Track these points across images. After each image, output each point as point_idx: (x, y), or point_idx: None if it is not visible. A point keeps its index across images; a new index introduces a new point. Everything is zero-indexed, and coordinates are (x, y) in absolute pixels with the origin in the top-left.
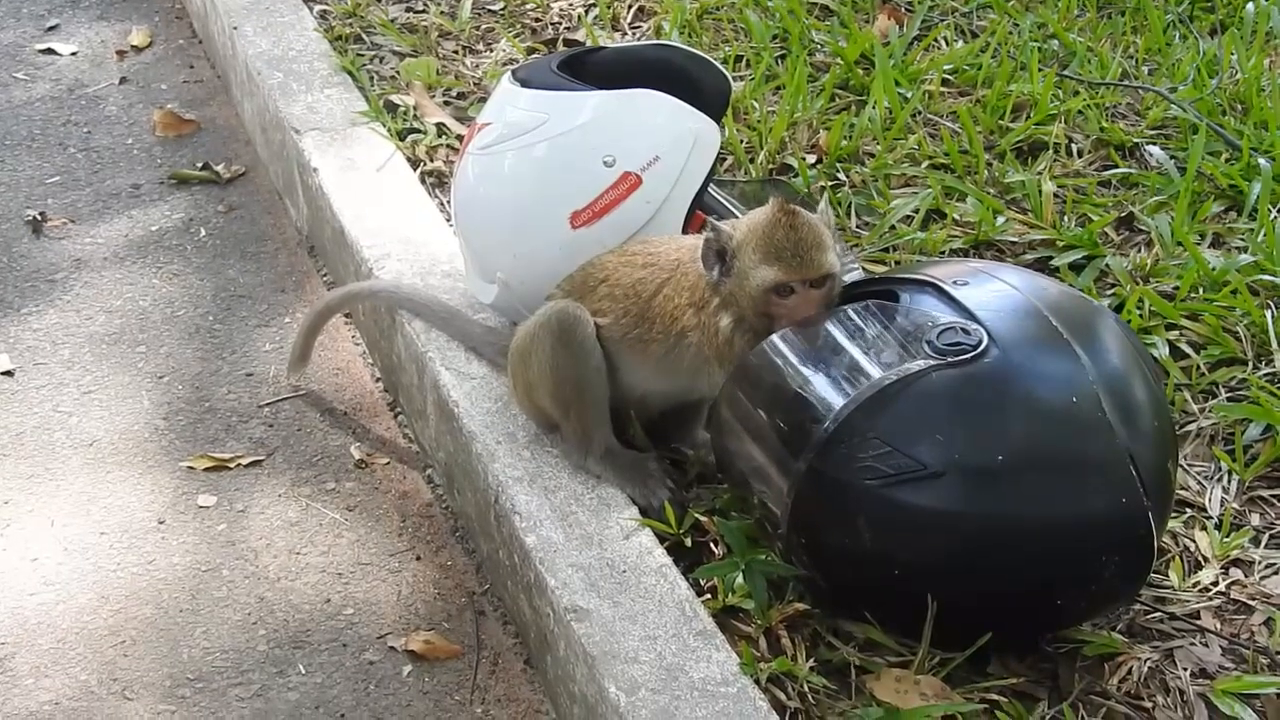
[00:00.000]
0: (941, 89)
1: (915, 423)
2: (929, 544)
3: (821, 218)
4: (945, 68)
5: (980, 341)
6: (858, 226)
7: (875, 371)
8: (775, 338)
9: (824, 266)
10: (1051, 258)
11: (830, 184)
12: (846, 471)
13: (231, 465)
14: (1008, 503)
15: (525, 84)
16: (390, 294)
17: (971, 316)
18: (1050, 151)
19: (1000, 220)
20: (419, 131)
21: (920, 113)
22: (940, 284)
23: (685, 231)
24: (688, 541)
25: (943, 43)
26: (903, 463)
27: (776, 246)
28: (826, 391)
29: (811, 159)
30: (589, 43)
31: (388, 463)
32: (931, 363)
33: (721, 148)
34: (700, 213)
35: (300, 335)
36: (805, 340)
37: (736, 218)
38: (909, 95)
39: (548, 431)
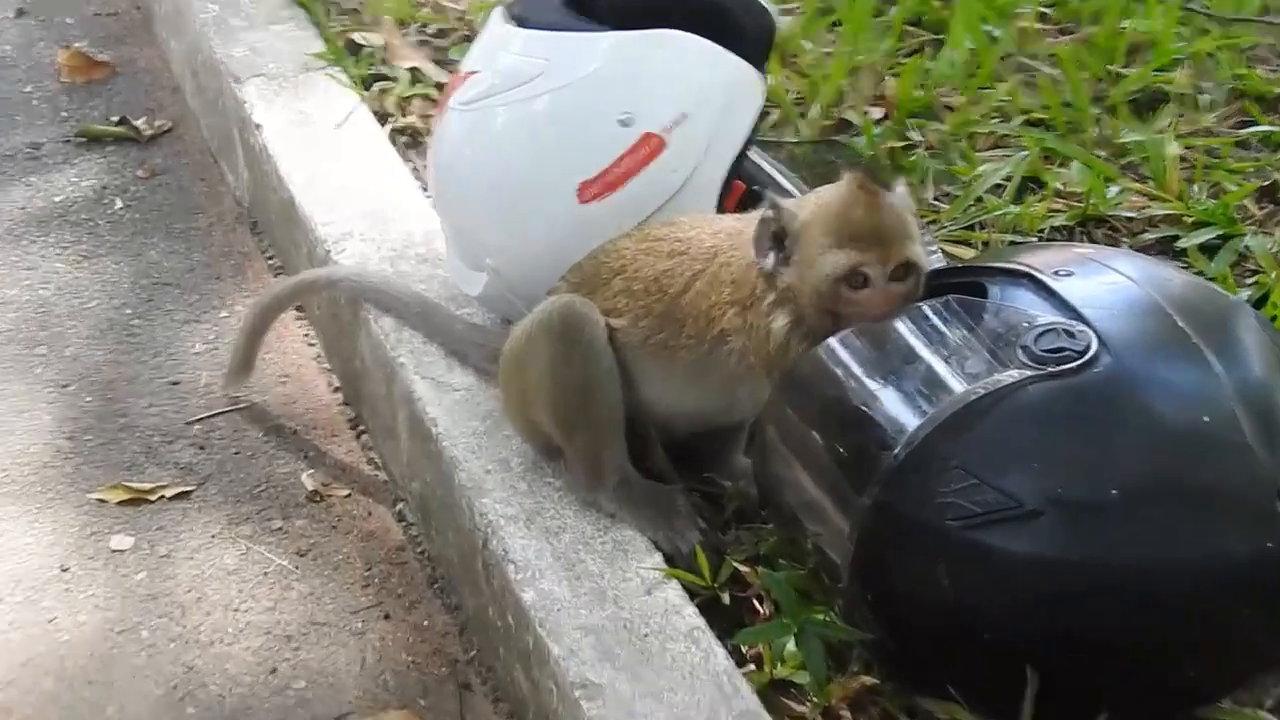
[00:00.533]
0: (1039, 25)
1: (1008, 448)
2: (1026, 599)
3: (901, 200)
4: None
5: (1088, 346)
6: (935, 199)
7: (958, 385)
8: (833, 341)
9: (908, 253)
10: (1177, 237)
11: (900, 145)
12: (923, 508)
13: (153, 498)
14: (1123, 547)
15: (522, 22)
16: (353, 284)
17: (1077, 315)
18: (1174, 104)
19: (1113, 191)
20: (388, 79)
21: (1012, 55)
22: (1039, 275)
23: (721, 207)
24: (725, 597)
25: None
26: (992, 498)
27: (854, 227)
28: (897, 409)
29: (877, 113)
30: None
31: (348, 495)
32: (1028, 373)
33: (765, 101)
34: (739, 182)
35: (241, 336)
36: (871, 344)
37: (786, 190)
38: (998, 33)
39: (549, 458)
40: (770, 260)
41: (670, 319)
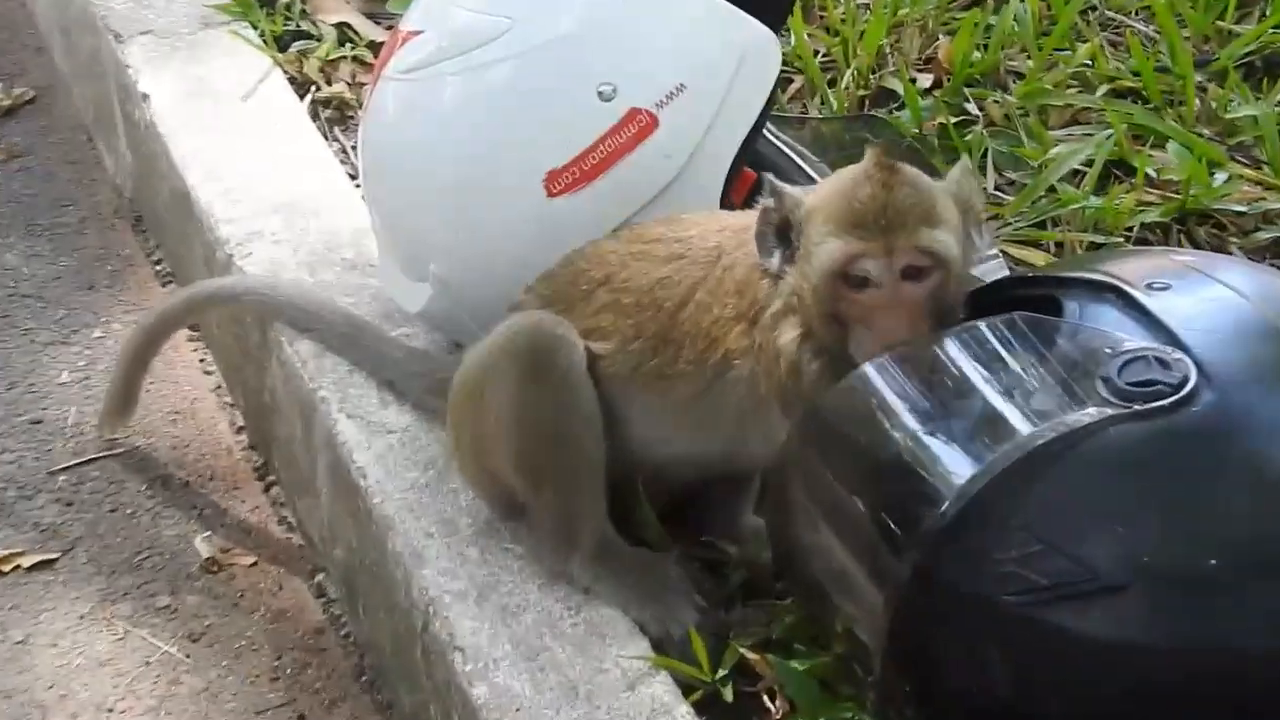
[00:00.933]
0: None
1: (1083, 506)
2: (1103, 695)
3: (950, 186)
4: None
5: (1185, 379)
6: (998, 187)
7: (1022, 425)
8: (868, 368)
9: (924, 242)
10: None
11: (955, 120)
12: (975, 579)
13: (6, 568)
14: (1227, 631)
15: None
16: (261, 298)
17: (1174, 340)
18: None
19: (1220, 179)
20: (309, 37)
21: (1096, 9)
22: (1127, 288)
23: (728, 202)
24: (728, 693)
25: None
26: (1063, 568)
27: (855, 209)
28: (945, 455)
29: (926, 81)
30: None
31: (254, 563)
32: (1109, 412)
33: (784, 66)
34: (750, 171)
35: (120, 365)
36: (914, 373)
37: (810, 178)
38: None
39: (508, 517)
40: (775, 259)
41: (666, 340)
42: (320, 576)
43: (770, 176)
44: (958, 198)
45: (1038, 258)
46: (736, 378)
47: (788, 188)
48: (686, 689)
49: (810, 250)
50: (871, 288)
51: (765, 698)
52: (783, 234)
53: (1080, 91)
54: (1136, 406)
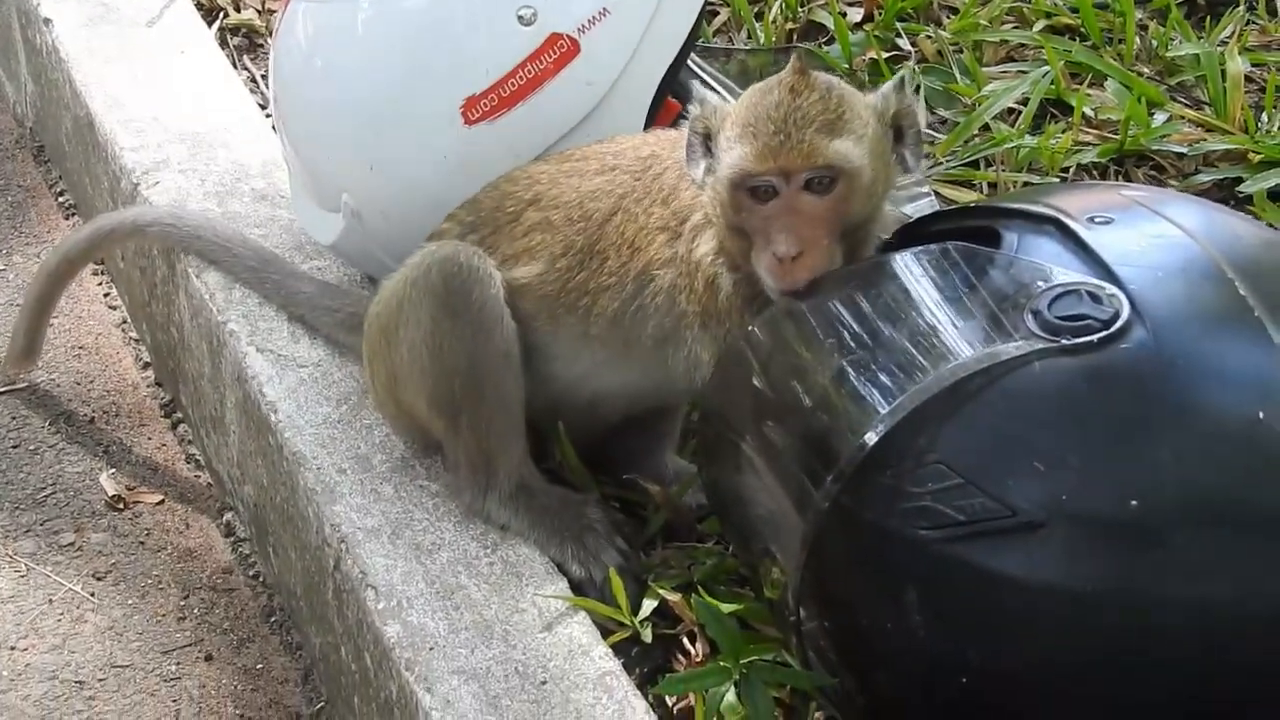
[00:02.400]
0: None
1: (1003, 442)
2: (1018, 635)
3: (875, 100)
4: None
5: (1116, 315)
6: (930, 125)
7: (945, 357)
8: (791, 298)
9: (824, 153)
10: (1241, 180)
11: (886, 55)
12: (891, 514)
13: None
14: (1145, 577)
15: None
16: (166, 229)
17: (1109, 275)
18: (1241, 8)
19: (1159, 119)
20: None
21: None
22: (1068, 220)
23: (650, 129)
24: (647, 635)
25: None
26: (981, 504)
27: (760, 117)
28: (865, 387)
29: (856, 15)
30: None
31: (161, 501)
32: (1036, 346)
33: None
34: (674, 100)
35: (25, 307)
36: (841, 303)
37: None
38: None
39: (424, 454)
40: (700, 169)
41: (593, 253)
42: (229, 515)
43: (698, 85)
44: (879, 111)
45: (970, 197)
46: (657, 289)
47: (714, 97)
48: (605, 630)
49: (719, 158)
50: (773, 199)
51: (686, 640)
52: (708, 143)
53: (1016, 27)
54: (1064, 341)
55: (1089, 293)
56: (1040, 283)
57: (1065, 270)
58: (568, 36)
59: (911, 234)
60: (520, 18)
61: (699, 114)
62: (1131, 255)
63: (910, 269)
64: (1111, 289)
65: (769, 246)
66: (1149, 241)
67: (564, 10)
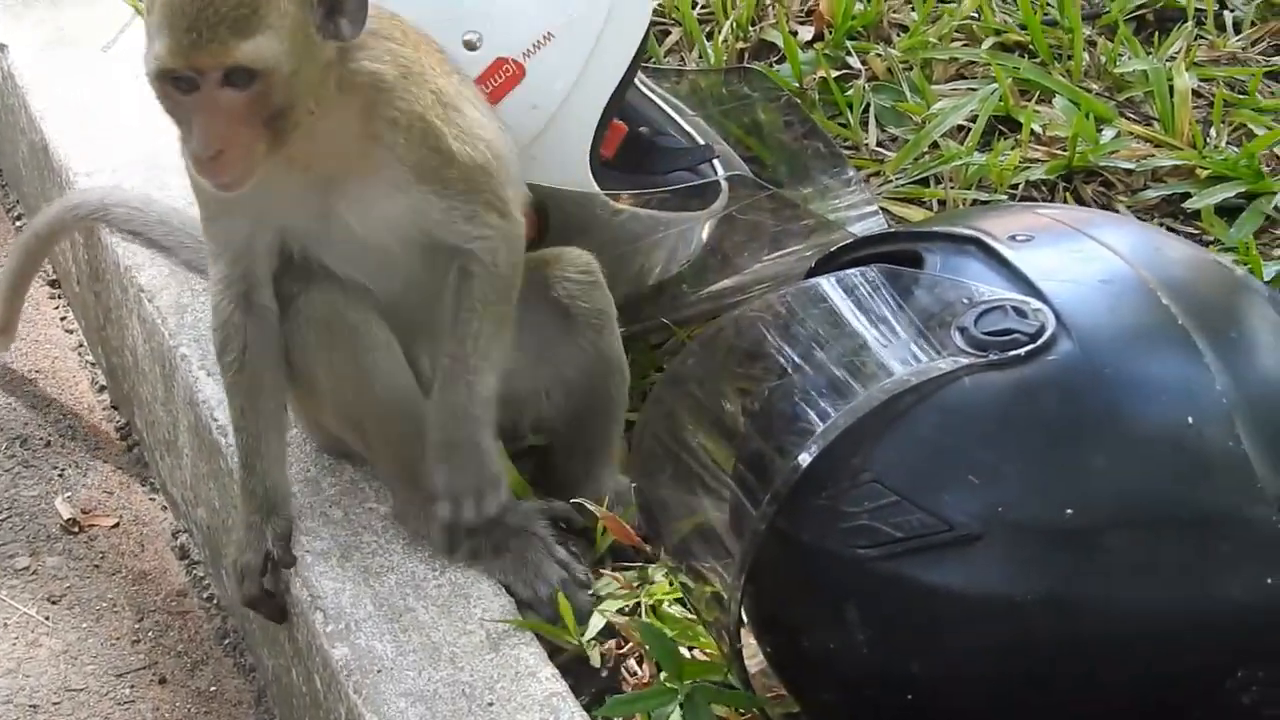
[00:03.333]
0: None
1: (936, 457)
2: (959, 648)
3: None
4: None
5: (1041, 328)
6: (880, 143)
7: (875, 376)
8: (728, 318)
9: (234, 55)
10: (1188, 195)
11: (836, 74)
12: (828, 534)
13: None
14: (1082, 583)
15: None
16: (133, 211)
17: (1033, 290)
18: (1189, 24)
19: (1107, 135)
20: None
21: None
22: (990, 240)
23: (598, 155)
24: (594, 656)
25: None
26: (917, 520)
27: (173, 9)
28: (798, 406)
29: (807, 34)
30: None
31: (115, 525)
32: (964, 361)
33: (661, 17)
34: (620, 123)
35: (2, 286)
36: (772, 322)
37: (686, 133)
38: None
39: (364, 475)
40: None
41: None
42: (183, 538)
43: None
44: (291, 1)
45: (919, 215)
46: None
47: None
48: (552, 651)
49: (146, 46)
50: (195, 92)
51: (634, 662)
52: None
53: (965, 45)
54: (992, 355)
55: (1014, 308)
56: (965, 300)
57: (989, 288)
58: (513, 60)
59: (835, 259)
60: (466, 42)
61: None
62: (1054, 271)
63: (837, 291)
64: (1036, 304)
65: (190, 142)
66: (1071, 257)
67: (509, 35)
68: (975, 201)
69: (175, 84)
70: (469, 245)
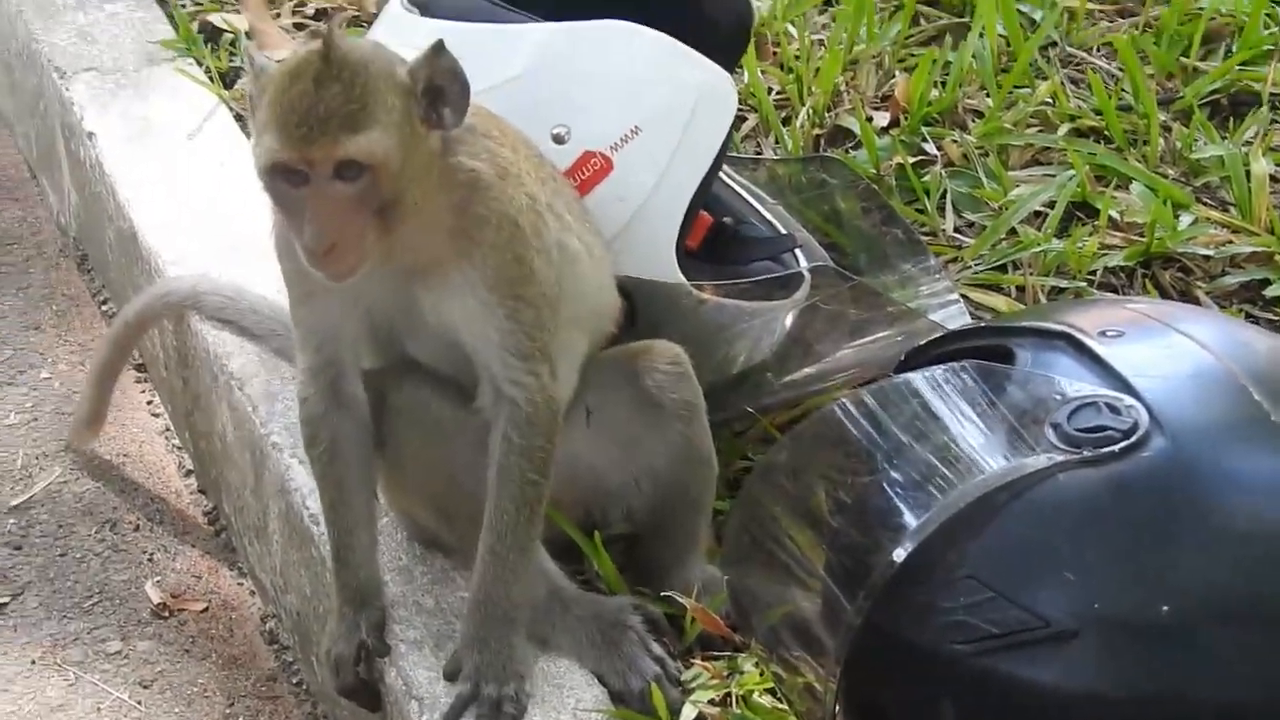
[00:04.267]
0: (1091, 5)
1: (1032, 554)
2: None
3: (400, 75)
4: None
5: (1135, 425)
6: (957, 229)
7: (970, 472)
8: (825, 411)
9: (347, 150)
10: (1267, 282)
11: (913, 160)
12: (924, 629)
13: None
14: (1180, 679)
15: (426, 9)
16: (225, 300)
17: (1126, 387)
18: (1264, 108)
19: (1185, 221)
20: None
21: (1056, 45)
22: (1080, 336)
23: (683, 246)
24: None
25: None
26: (1013, 616)
27: (284, 107)
28: (893, 502)
29: (883, 119)
30: None
31: (205, 609)
32: (1058, 458)
33: (739, 104)
34: (706, 214)
35: (93, 375)
36: (866, 418)
37: (769, 221)
38: (1038, 16)
39: (455, 563)
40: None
41: None
42: (272, 623)
43: (250, 46)
44: (407, 89)
45: (998, 302)
46: None
47: (262, 59)
48: None
49: (255, 139)
50: (305, 185)
51: None
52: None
53: (1041, 131)
54: (1085, 452)
55: (1107, 404)
56: (1058, 396)
57: (1081, 384)
58: (601, 155)
59: (924, 352)
60: (555, 136)
61: (251, 77)
62: (1146, 366)
63: (931, 387)
64: (1129, 400)
65: (302, 236)
66: (1162, 353)
67: (597, 129)
68: (1054, 288)
69: (286, 178)
70: (509, 389)
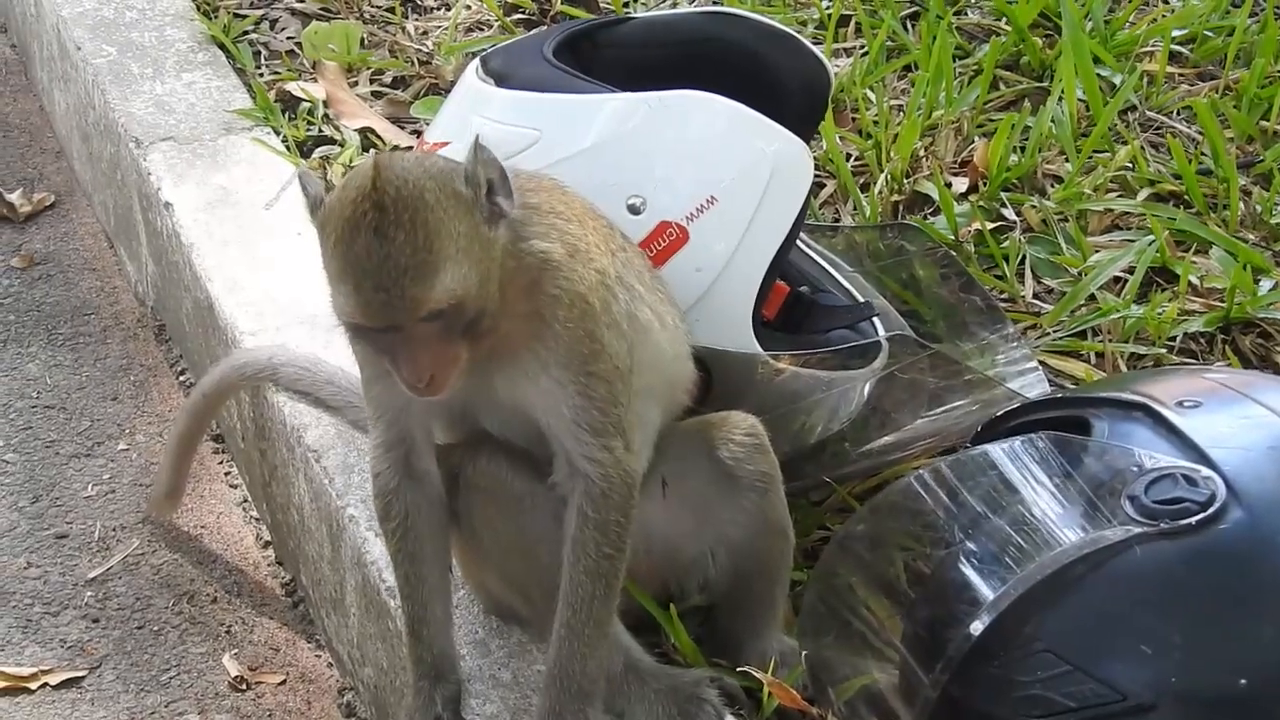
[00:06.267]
0: (1170, 69)
1: (1109, 626)
2: None
3: (467, 188)
4: (1175, 33)
5: (1212, 497)
6: (1036, 295)
7: (1047, 545)
8: (901, 482)
9: (427, 304)
10: None
11: (992, 226)
12: (1001, 703)
13: (33, 686)
14: None
15: (502, 80)
16: (301, 372)
17: (1203, 458)
18: None
19: (1266, 286)
20: (332, 143)
21: (1136, 109)
22: (1157, 406)
23: (760, 316)
24: None
25: None
26: (1090, 690)
27: (352, 261)
28: (969, 575)
29: (961, 185)
30: (603, 2)
31: (283, 682)
32: (1135, 531)
33: (815, 171)
34: (782, 284)
35: (170, 447)
36: (943, 490)
37: (847, 290)
38: (1117, 80)
39: (531, 636)
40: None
41: None
42: (350, 696)
43: (304, 168)
44: (468, 203)
45: (1077, 369)
46: None
47: (315, 184)
48: None
49: (330, 288)
50: (393, 332)
51: None
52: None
53: (1120, 195)
54: (1163, 525)
55: (1184, 476)
56: (1135, 468)
57: (1158, 455)
58: (676, 225)
59: (1001, 423)
60: (630, 206)
61: (309, 212)
62: (1223, 437)
63: (1008, 459)
64: (1206, 471)
65: (399, 373)
66: (1239, 423)
67: (673, 199)
68: (1133, 355)
69: (364, 334)
70: (584, 464)
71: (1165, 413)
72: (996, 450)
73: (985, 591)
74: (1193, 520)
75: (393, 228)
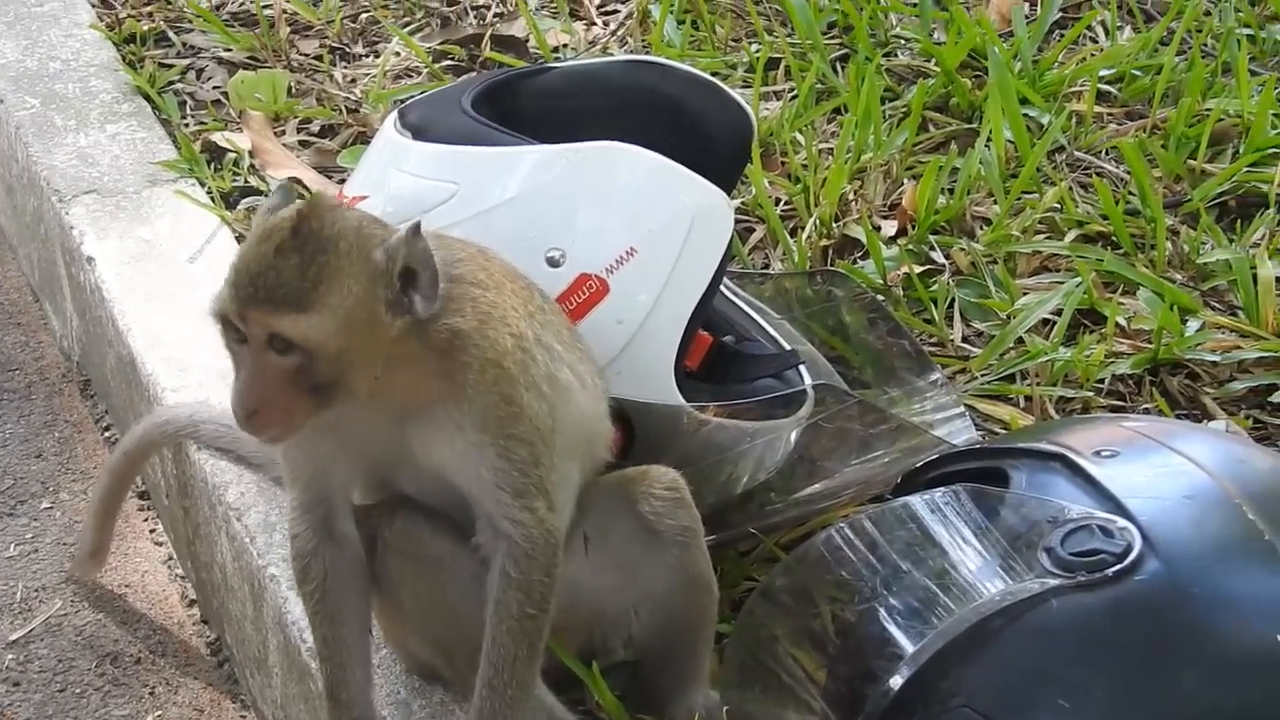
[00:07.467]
0: (1098, 108)
1: (1028, 680)
2: None
3: (385, 258)
4: (1103, 73)
5: (1128, 548)
6: (965, 339)
7: (963, 599)
8: (820, 538)
9: (281, 328)
10: (1276, 387)
11: (920, 269)
12: None
13: None
14: None
15: (419, 133)
16: (222, 429)
17: (1119, 508)
18: (1272, 210)
19: (1192, 327)
20: (258, 193)
21: (1064, 150)
22: (1074, 456)
23: (682, 367)
24: None
25: (1099, 31)
26: None
27: (240, 263)
28: (887, 630)
29: (891, 229)
30: (532, 48)
31: None
32: (1051, 583)
33: (744, 215)
34: (705, 334)
35: (94, 507)
36: (862, 544)
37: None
38: (1045, 121)
39: (453, 696)
40: None
41: None
42: None
43: (284, 182)
44: (380, 271)
45: (1006, 413)
46: None
47: (276, 195)
48: None
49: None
50: (244, 344)
51: None
52: None
53: (1048, 237)
54: (1080, 577)
55: (1100, 527)
56: (1051, 519)
57: (1075, 506)
58: (596, 277)
59: (921, 474)
60: (549, 259)
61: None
62: (1139, 487)
63: (928, 510)
64: (1122, 522)
65: (231, 391)
66: (1155, 472)
67: (592, 252)
68: (1061, 398)
69: (229, 331)
70: (506, 526)
71: (1082, 463)
72: (918, 501)
73: (904, 645)
74: (1109, 572)
75: (294, 252)
